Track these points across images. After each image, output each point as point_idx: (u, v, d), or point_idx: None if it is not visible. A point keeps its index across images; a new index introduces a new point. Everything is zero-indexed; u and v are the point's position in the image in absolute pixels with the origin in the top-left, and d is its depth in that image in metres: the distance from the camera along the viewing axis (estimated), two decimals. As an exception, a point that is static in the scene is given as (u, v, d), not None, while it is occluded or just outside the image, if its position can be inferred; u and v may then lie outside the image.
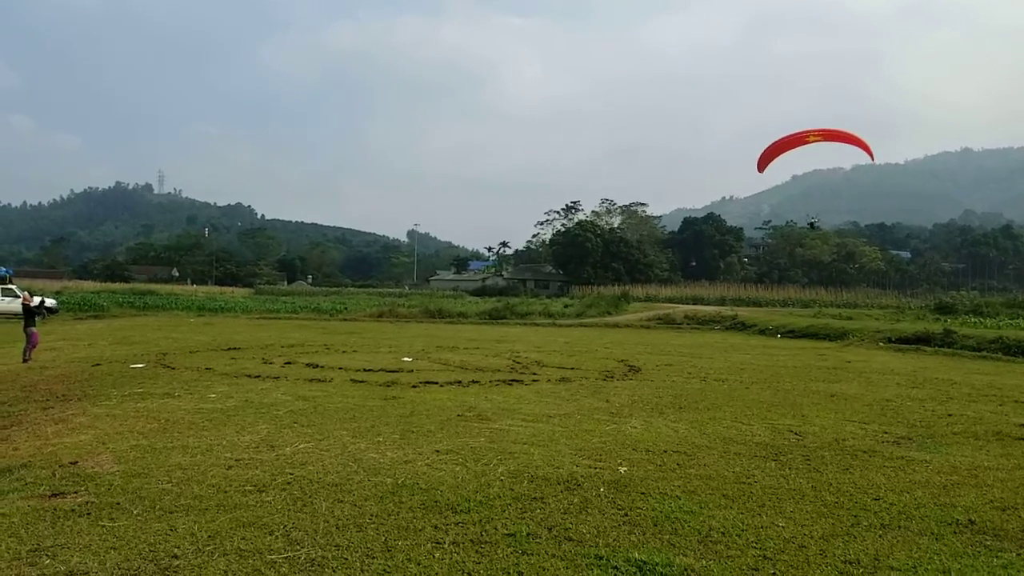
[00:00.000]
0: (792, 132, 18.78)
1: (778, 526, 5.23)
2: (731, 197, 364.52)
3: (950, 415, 10.27)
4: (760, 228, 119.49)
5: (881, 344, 24.78)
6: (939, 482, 6.56)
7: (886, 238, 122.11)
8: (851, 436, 8.57)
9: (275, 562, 4.36)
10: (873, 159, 18.80)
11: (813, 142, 18.06)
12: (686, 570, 4.36)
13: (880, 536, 5.09)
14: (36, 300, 16.65)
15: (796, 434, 8.60)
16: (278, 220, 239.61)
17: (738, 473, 6.66)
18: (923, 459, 7.44)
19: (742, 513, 5.49)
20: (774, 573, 4.41)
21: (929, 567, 4.54)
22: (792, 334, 30.30)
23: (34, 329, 15.60)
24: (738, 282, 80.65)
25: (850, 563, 4.58)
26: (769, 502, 5.80)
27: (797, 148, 18.51)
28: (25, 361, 14.90)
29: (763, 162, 18.95)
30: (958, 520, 5.46)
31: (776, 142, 18.70)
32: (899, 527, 5.30)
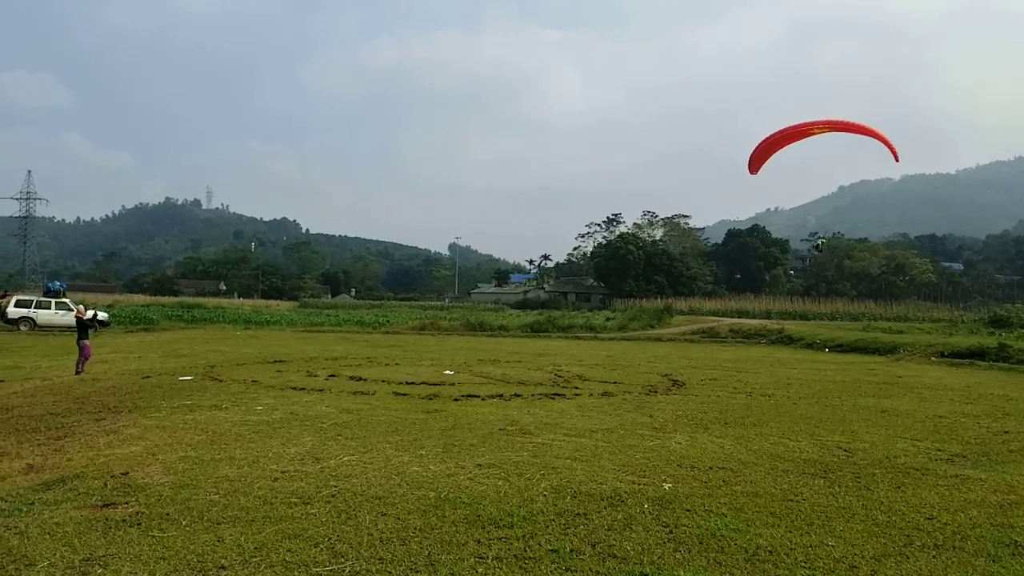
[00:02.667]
0: (793, 124, 15.43)
1: (828, 545, 5.10)
2: (776, 208, 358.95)
3: (1006, 432, 9.93)
4: (806, 240, 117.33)
5: (933, 359, 24.10)
6: (995, 501, 6.34)
7: (937, 250, 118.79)
8: (903, 453, 8.34)
9: (320, 575, 4.40)
10: (897, 158, 15.23)
11: (818, 133, 15.13)
12: (733, 590, 4.28)
13: (934, 557, 4.94)
14: (89, 314, 17.14)
15: (845, 451, 8.40)
16: (322, 234, 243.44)
17: (786, 490, 6.53)
18: (978, 478, 7.20)
19: (790, 531, 5.37)
20: (824, 594, 4.30)
21: (988, 591, 4.38)
22: (840, 348, 29.66)
23: (87, 342, 16.05)
24: (784, 295, 79.02)
25: (904, 585, 4.45)
26: (818, 520, 5.66)
27: (799, 142, 15.67)
28: (78, 373, 15.34)
29: (756, 162, 15.92)
30: (1016, 541, 5.27)
31: (771, 136, 15.56)
32: (953, 548, 5.13)
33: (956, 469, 7.58)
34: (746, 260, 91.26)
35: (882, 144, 15.14)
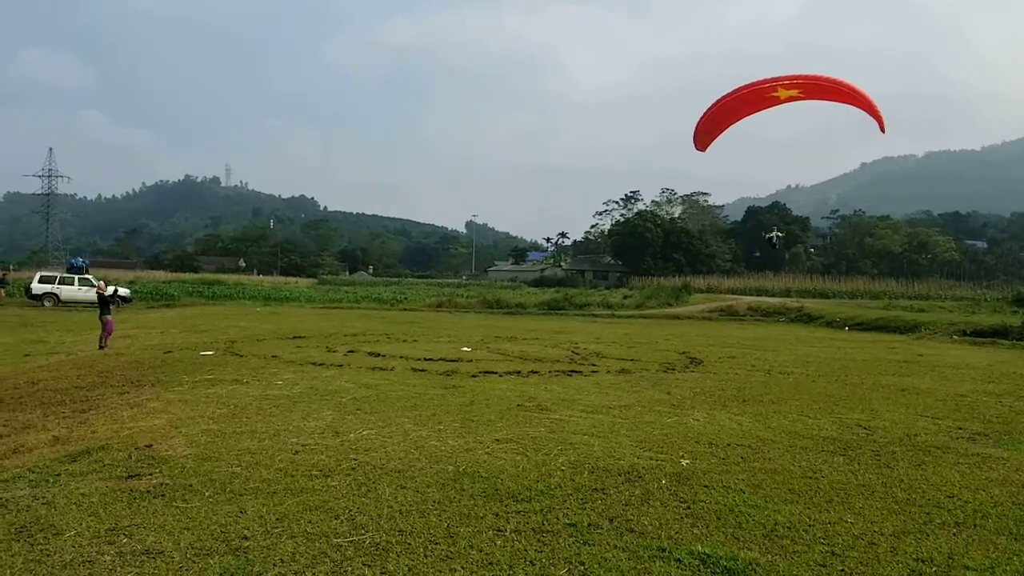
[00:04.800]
0: (751, 83, 11.74)
1: (847, 522, 5.09)
2: (797, 185, 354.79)
3: (1031, 411, 9.81)
4: (827, 217, 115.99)
5: (955, 337, 23.84)
6: (1017, 480, 6.29)
7: (960, 227, 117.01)
8: (923, 432, 8.28)
9: (341, 545, 4.46)
10: (883, 128, 11.85)
11: (787, 101, 11.93)
12: (751, 564, 4.29)
13: (954, 534, 4.91)
14: (110, 290, 17.35)
15: (865, 429, 8.35)
16: (340, 212, 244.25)
17: (804, 468, 6.51)
18: (1000, 456, 7.14)
19: (809, 508, 5.36)
20: (843, 570, 4.29)
21: (1008, 567, 4.36)
22: (861, 326, 29.42)
23: (109, 317, 16.27)
24: (804, 273, 78.38)
25: (923, 561, 4.43)
26: (837, 497, 5.64)
27: (763, 111, 12.30)
28: (101, 348, 15.56)
29: (704, 135, 12.62)
30: (1040, 520, 5.22)
31: (724, 102, 11.97)
32: (975, 525, 5.10)
33: (977, 448, 7.52)
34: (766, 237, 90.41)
35: (861, 109, 11.92)
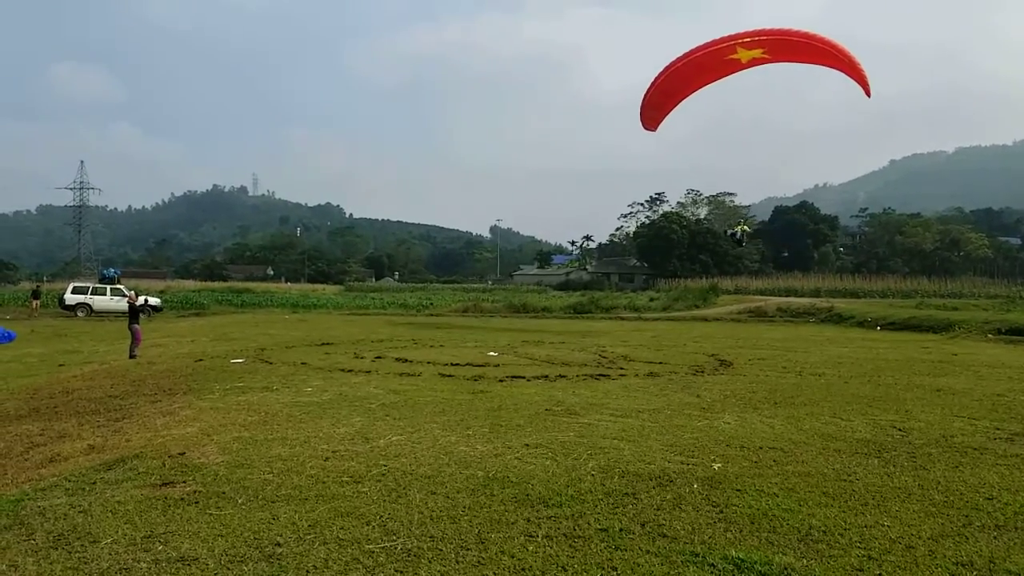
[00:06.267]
0: (704, 44, 9.96)
1: (883, 525, 5.00)
2: (825, 184, 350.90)
3: (1072, 411, 9.57)
4: (856, 216, 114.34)
5: (990, 336, 23.37)
6: (1062, 483, 6.12)
7: (994, 224, 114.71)
8: (960, 432, 8.11)
9: (373, 552, 4.47)
10: (868, 92, 10.12)
11: (751, 65, 10.08)
12: (786, 569, 4.22)
13: (995, 537, 4.80)
14: (140, 300, 17.62)
15: (900, 430, 8.20)
16: (365, 219, 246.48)
17: (838, 470, 6.40)
18: (1042, 458, 6.97)
19: (844, 512, 5.27)
20: (880, 574, 4.21)
21: (1054, 573, 4.24)
22: (893, 326, 28.95)
23: (138, 326, 16.54)
24: (833, 273, 77.37)
25: (962, 565, 4.34)
26: (873, 501, 5.54)
27: (725, 78, 10.55)
28: (132, 357, 15.82)
29: (653, 110, 10.83)
30: (1085, 523, 5.08)
31: (671, 68, 10.19)
32: (1016, 528, 4.98)
33: (1016, 448, 7.35)
34: (794, 238, 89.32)
35: (854, 80, 10.24)
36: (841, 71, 9.98)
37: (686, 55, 10.07)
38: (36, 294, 37.40)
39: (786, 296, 52.62)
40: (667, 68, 10.41)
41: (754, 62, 10.18)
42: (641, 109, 11.04)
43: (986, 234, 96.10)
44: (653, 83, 10.60)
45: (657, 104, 10.97)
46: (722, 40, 9.75)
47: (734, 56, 9.95)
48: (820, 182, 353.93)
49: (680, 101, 11.01)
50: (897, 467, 6.55)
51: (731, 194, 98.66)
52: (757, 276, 74.48)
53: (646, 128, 11.33)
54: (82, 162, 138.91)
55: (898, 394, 10.98)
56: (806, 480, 6.07)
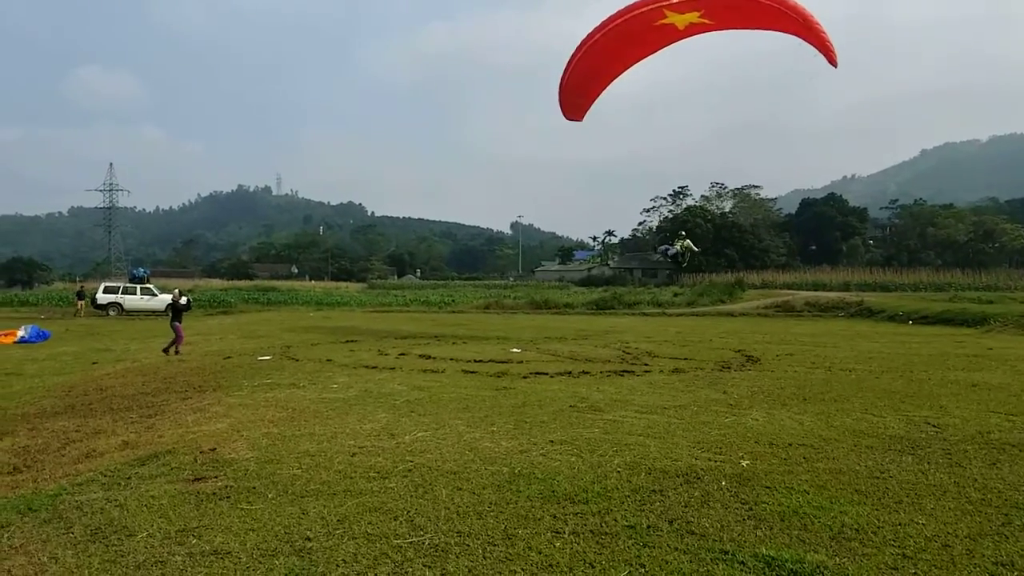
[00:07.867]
0: (626, 7, 8.45)
1: (918, 524, 4.91)
2: (853, 176, 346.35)
3: (1112, 406, 9.34)
4: (886, 208, 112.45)
5: (1026, 330, 22.87)
6: (1103, 480, 5.97)
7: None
8: (997, 429, 7.94)
9: (401, 546, 4.49)
10: (834, 62, 9.00)
11: (691, 33, 8.55)
12: (818, 567, 4.16)
13: (1036, 537, 4.69)
14: (183, 300, 17.89)
15: (934, 426, 8.05)
16: (387, 216, 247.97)
17: (871, 467, 6.30)
18: (1082, 454, 6.80)
19: (877, 509, 5.19)
20: (916, 573, 4.14)
21: (1096, 572, 4.13)
22: (925, 320, 28.48)
23: (179, 324, 16.77)
24: (863, 266, 76.10)
25: (1002, 565, 4.24)
26: (907, 498, 5.45)
27: (661, 50, 9.05)
28: (165, 352, 16.05)
29: (575, 96, 9.38)
30: None
31: (591, 42, 8.85)
32: (1058, 528, 4.86)
33: (1055, 445, 7.18)
34: (822, 231, 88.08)
35: (814, 46, 8.97)
36: (798, 36, 8.70)
37: (603, 24, 8.55)
38: (81, 295, 38.01)
39: (814, 290, 52.06)
40: (584, 43, 8.91)
41: (692, 28, 8.70)
42: (560, 95, 9.51)
43: (1022, 225, 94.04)
44: (569, 62, 9.06)
45: (577, 88, 9.35)
46: (644, 3, 8.29)
47: (664, 22, 8.41)
48: (848, 173, 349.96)
49: (608, 83, 9.41)
50: (932, 464, 6.43)
51: (756, 187, 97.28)
52: (784, 270, 73.52)
53: (569, 118, 9.86)
54: (111, 164, 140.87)
55: (932, 389, 10.79)
56: (837, 477, 5.99)
